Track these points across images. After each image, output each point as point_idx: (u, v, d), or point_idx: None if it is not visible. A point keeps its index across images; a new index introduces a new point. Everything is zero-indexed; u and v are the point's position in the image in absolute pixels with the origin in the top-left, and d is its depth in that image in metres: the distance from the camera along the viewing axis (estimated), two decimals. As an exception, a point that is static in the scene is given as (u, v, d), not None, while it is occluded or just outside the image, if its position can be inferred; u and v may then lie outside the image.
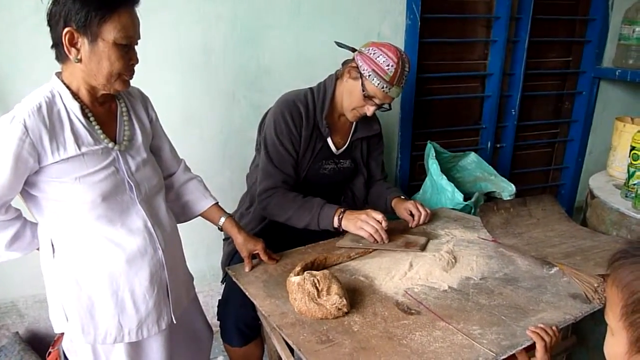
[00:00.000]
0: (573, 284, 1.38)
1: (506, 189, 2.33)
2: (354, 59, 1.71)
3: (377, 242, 1.62)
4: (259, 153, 1.84)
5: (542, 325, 1.15)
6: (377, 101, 1.70)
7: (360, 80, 1.68)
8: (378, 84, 1.64)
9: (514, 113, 2.84)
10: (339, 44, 1.77)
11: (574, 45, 2.98)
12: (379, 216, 1.63)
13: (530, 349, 1.14)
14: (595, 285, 1.30)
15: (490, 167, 2.50)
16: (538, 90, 2.96)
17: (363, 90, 1.68)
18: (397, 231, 1.74)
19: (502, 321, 1.21)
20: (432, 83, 2.65)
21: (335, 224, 1.67)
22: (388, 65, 1.62)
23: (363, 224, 1.62)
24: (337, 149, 1.86)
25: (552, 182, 3.30)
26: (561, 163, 3.26)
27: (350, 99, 1.74)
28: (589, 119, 3.10)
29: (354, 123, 1.88)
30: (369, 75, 1.65)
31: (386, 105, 1.75)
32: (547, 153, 3.23)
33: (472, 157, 2.54)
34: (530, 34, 2.67)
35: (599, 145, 3.20)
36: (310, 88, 1.82)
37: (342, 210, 1.68)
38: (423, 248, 1.62)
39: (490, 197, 2.38)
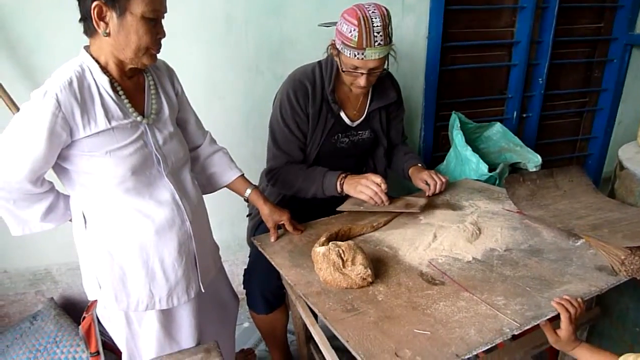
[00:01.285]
0: (599, 256, 1.37)
1: (532, 160, 2.30)
2: None
3: (377, 204, 1.64)
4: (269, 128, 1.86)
5: (567, 297, 1.15)
6: (361, 71, 1.61)
7: (339, 56, 1.64)
8: (350, 54, 1.56)
9: (541, 82, 2.78)
10: (323, 25, 1.72)
11: (606, 11, 2.87)
12: (378, 179, 1.64)
13: (555, 320, 1.15)
14: (623, 257, 1.28)
15: (515, 137, 2.46)
16: (567, 58, 2.88)
17: (341, 65, 1.64)
18: (398, 196, 1.76)
19: (527, 292, 1.21)
20: (457, 52, 2.59)
21: (339, 189, 1.70)
22: (350, 32, 1.52)
23: (363, 187, 1.64)
24: (353, 121, 1.84)
25: (579, 152, 3.24)
26: (589, 133, 3.19)
27: (343, 76, 1.70)
28: (620, 87, 3.01)
29: (369, 93, 1.84)
30: (342, 49, 1.59)
31: (381, 68, 1.65)
32: (575, 123, 3.16)
33: (498, 127, 2.50)
34: (560, -1, 2.58)
35: (629, 114, 3.12)
36: (320, 62, 1.79)
37: (344, 175, 1.71)
38: (422, 209, 1.65)
39: (515, 168, 2.36)
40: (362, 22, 1.50)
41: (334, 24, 1.67)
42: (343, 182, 1.69)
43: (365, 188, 1.64)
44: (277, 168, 1.78)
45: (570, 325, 1.12)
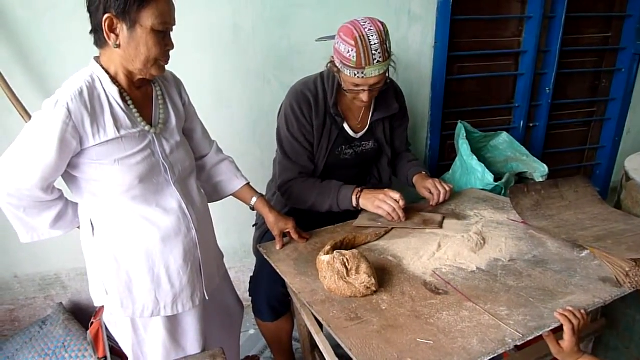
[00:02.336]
0: (604, 267, 1.37)
1: (538, 170, 2.30)
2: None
3: (395, 220, 1.64)
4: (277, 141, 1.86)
5: (570, 308, 1.15)
6: (362, 88, 1.61)
7: (339, 74, 1.64)
8: (350, 73, 1.56)
9: (548, 91, 2.77)
10: (321, 39, 1.72)
11: (614, 20, 2.87)
12: (396, 195, 1.64)
13: (558, 331, 1.15)
14: (627, 269, 1.28)
15: (522, 147, 2.46)
16: (574, 67, 2.87)
17: (342, 84, 1.64)
18: (414, 210, 1.76)
19: (530, 303, 1.21)
20: (463, 61, 2.60)
21: (354, 204, 1.70)
22: (348, 52, 1.52)
23: (381, 202, 1.64)
24: (356, 132, 1.84)
25: (587, 162, 3.23)
26: (597, 143, 3.18)
27: (345, 92, 1.70)
28: (628, 97, 3.00)
29: (372, 104, 1.83)
30: (341, 68, 1.58)
31: (382, 82, 1.64)
32: (582, 132, 3.15)
33: (504, 136, 2.50)
34: (568, 9, 2.59)
35: (637, 124, 3.11)
36: (321, 73, 1.79)
37: (360, 189, 1.71)
38: (441, 225, 1.65)
39: (521, 178, 2.36)
40: (359, 42, 1.49)
41: (331, 38, 1.68)
42: (359, 197, 1.69)
43: (383, 204, 1.64)
44: (290, 181, 1.78)
45: (574, 337, 1.12)
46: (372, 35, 1.50)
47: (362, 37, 1.50)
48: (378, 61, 1.53)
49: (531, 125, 2.87)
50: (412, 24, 2.36)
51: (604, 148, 3.16)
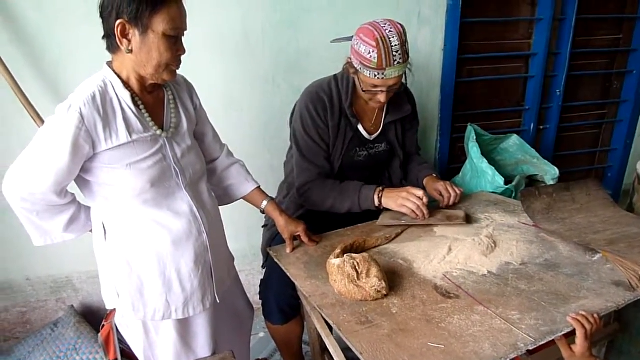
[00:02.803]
0: (617, 271, 1.35)
1: (549, 172, 2.28)
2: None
3: (419, 217, 1.64)
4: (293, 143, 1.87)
5: (583, 313, 1.14)
6: (381, 89, 1.62)
7: (357, 75, 1.64)
8: (370, 74, 1.57)
9: (558, 93, 2.76)
10: (336, 41, 1.73)
11: (625, 22, 2.85)
12: (419, 192, 1.65)
13: (570, 336, 1.14)
14: (640, 273, 1.27)
15: (532, 149, 2.45)
16: (585, 69, 2.85)
17: (361, 85, 1.65)
18: (434, 207, 1.76)
19: (542, 307, 1.20)
20: (473, 64, 2.60)
21: (377, 203, 1.70)
22: (369, 53, 1.53)
23: (404, 201, 1.65)
24: (370, 134, 1.85)
25: (598, 164, 3.20)
26: (608, 145, 3.15)
27: (362, 93, 1.70)
28: (640, 99, 2.98)
29: (385, 106, 1.84)
30: (360, 69, 1.59)
31: (403, 81, 1.67)
32: (594, 135, 3.13)
33: (514, 139, 2.49)
34: (578, 11, 2.58)
35: (649, 126, 3.08)
36: (335, 75, 1.80)
37: (381, 189, 1.72)
38: (465, 220, 1.65)
39: (532, 181, 2.34)
40: (381, 43, 1.51)
41: (347, 39, 1.69)
42: (382, 195, 1.70)
43: (407, 202, 1.65)
44: (309, 182, 1.78)
45: (586, 342, 1.11)
46: (393, 37, 1.52)
47: (383, 39, 1.51)
48: (398, 62, 1.54)
49: (542, 127, 2.85)
50: (422, 26, 2.36)
51: (615, 150, 3.14)
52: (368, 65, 1.55)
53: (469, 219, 1.72)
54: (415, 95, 1.98)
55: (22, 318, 2.33)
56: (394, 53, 1.52)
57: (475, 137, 2.29)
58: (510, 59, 2.68)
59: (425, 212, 1.64)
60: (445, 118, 2.58)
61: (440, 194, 1.81)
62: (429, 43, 2.41)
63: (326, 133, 1.77)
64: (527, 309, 1.20)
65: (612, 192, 3.12)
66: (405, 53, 1.56)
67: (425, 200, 1.65)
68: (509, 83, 2.74)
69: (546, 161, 2.36)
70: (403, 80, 1.66)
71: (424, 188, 1.91)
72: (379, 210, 1.74)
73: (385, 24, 1.55)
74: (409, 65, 1.64)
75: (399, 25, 1.56)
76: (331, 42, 1.77)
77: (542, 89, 2.71)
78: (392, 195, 1.68)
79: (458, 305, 1.23)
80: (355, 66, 1.62)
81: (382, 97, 1.64)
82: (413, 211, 1.64)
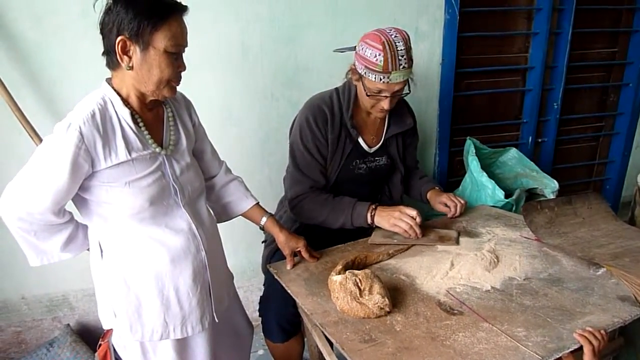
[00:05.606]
0: (621, 285, 1.34)
1: (548, 185, 2.28)
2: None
3: (412, 237, 1.63)
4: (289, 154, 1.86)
5: (590, 329, 1.13)
6: (385, 94, 1.62)
7: (361, 80, 1.65)
8: (375, 78, 1.57)
9: (556, 107, 2.77)
10: (338, 50, 1.74)
11: (621, 36, 2.88)
12: (413, 212, 1.63)
13: (576, 352, 1.12)
14: (646, 287, 1.26)
15: (531, 162, 2.45)
16: (582, 82, 2.87)
17: (365, 90, 1.64)
18: (428, 226, 1.74)
19: (548, 323, 1.19)
20: (471, 78, 2.61)
21: (369, 221, 1.69)
22: (375, 57, 1.53)
23: (397, 220, 1.63)
24: (370, 147, 1.84)
25: (596, 176, 3.21)
26: (606, 157, 3.17)
27: (364, 100, 1.70)
28: (636, 111, 3.00)
29: (386, 119, 1.85)
30: (365, 73, 1.59)
31: (406, 90, 1.67)
32: (591, 147, 3.14)
33: (513, 152, 2.49)
34: (574, 25, 2.60)
35: (646, 138, 3.10)
36: (336, 88, 1.80)
37: (374, 206, 1.70)
38: (457, 241, 1.64)
39: (532, 194, 2.34)
40: (387, 46, 1.52)
41: (350, 49, 1.70)
42: (374, 214, 1.68)
43: (400, 221, 1.63)
44: (301, 195, 1.76)
45: (594, 359, 1.09)
46: (399, 42, 1.54)
47: (389, 42, 1.53)
48: (404, 67, 1.55)
49: (540, 140, 2.86)
50: (419, 41, 2.36)
51: (613, 163, 3.15)
52: (373, 68, 1.55)
53: (469, 234, 1.70)
54: (414, 109, 1.98)
55: (17, 338, 2.28)
56: (400, 57, 1.54)
57: (474, 151, 2.28)
58: (507, 73, 2.70)
59: (418, 231, 1.63)
60: (443, 132, 2.58)
61: (446, 205, 1.80)
62: (427, 57, 2.42)
63: (324, 146, 1.76)
64: (533, 325, 1.18)
65: (610, 204, 3.11)
66: (410, 59, 1.57)
67: (418, 220, 1.63)
68: (507, 96, 2.75)
69: (545, 174, 2.36)
70: (406, 90, 1.66)
71: (428, 202, 1.90)
72: (373, 227, 1.72)
73: (391, 30, 1.56)
74: (411, 75, 1.64)
75: (403, 32, 1.58)
76: (333, 51, 1.78)
77: (540, 102, 2.72)
78: (385, 214, 1.67)
79: (462, 321, 1.22)
80: (360, 71, 1.62)
81: (385, 104, 1.64)
82: (406, 231, 1.62)
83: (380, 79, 1.57)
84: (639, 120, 3.02)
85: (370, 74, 1.58)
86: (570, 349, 1.10)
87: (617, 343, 1.60)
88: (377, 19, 2.23)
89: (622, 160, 3.10)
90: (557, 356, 1.09)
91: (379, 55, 1.53)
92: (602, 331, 1.14)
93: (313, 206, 1.75)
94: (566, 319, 1.20)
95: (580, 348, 1.11)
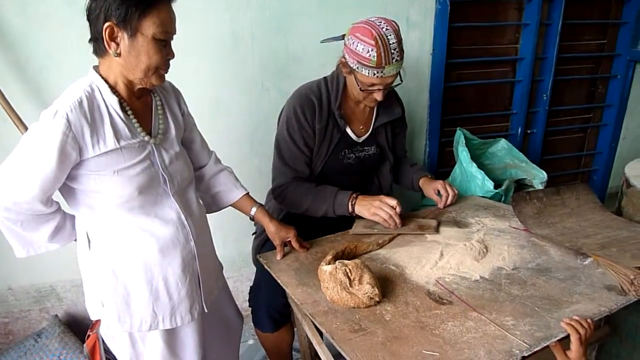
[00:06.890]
0: (608, 275, 1.35)
1: (537, 176, 2.29)
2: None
3: (392, 227, 1.64)
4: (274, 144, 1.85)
5: (577, 317, 1.14)
6: (378, 87, 1.61)
7: (353, 74, 1.63)
8: (369, 73, 1.56)
9: (545, 98, 2.78)
10: (325, 41, 1.74)
11: (609, 27, 2.89)
12: (393, 202, 1.64)
13: (564, 340, 1.13)
14: (632, 277, 1.27)
15: (520, 153, 2.46)
16: (571, 74, 2.89)
17: (358, 84, 1.63)
18: (408, 216, 1.75)
19: (536, 312, 1.20)
20: (461, 68, 2.61)
21: (350, 210, 1.69)
22: (368, 52, 1.51)
23: (377, 209, 1.64)
24: (359, 136, 1.84)
25: (584, 167, 3.24)
26: (594, 149, 3.19)
27: (355, 91, 1.69)
28: (624, 103, 3.02)
29: (375, 109, 1.84)
30: (357, 68, 1.57)
31: (397, 80, 1.66)
32: (580, 138, 3.17)
33: (502, 143, 2.50)
34: (564, 16, 2.61)
35: (634, 130, 3.13)
36: (325, 77, 1.79)
37: (355, 195, 1.70)
38: (437, 230, 1.65)
39: (521, 184, 2.35)
40: (379, 41, 1.50)
41: (337, 39, 1.69)
42: (355, 203, 1.69)
43: (380, 210, 1.63)
44: (284, 185, 1.77)
45: (581, 347, 1.11)
46: (390, 35, 1.52)
47: (381, 37, 1.50)
48: (396, 60, 1.54)
49: (529, 131, 2.87)
50: (410, 31, 2.36)
51: (600, 154, 3.18)
52: (367, 64, 1.54)
53: (458, 224, 1.71)
54: (404, 100, 1.98)
55: (4, 329, 2.26)
56: (392, 51, 1.52)
57: (464, 142, 2.29)
58: (497, 64, 2.70)
59: (398, 221, 1.63)
60: (434, 122, 2.58)
61: (438, 193, 1.81)
62: (418, 48, 2.42)
63: (311, 137, 1.75)
64: (521, 315, 1.19)
65: (598, 195, 3.14)
66: (401, 51, 1.56)
67: (398, 209, 1.64)
68: (497, 87, 2.75)
69: (534, 165, 2.37)
70: (398, 80, 1.65)
71: (419, 189, 1.91)
72: (356, 217, 1.73)
73: (380, 22, 1.54)
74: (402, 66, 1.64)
75: (393, 23, 1.56)
76: (321, 42, 1.76)
77: (529, 93, 2.73)
78: (365, 203, 1.67)
79: (452, 311, 1.22)
80: (351, 65, 1.60)
81: (378, 96, 1.64)
82: (385, 220, 1.63)
83: (374, 74, 1.56)
84: (626, 112, 3.05)
85: (363, 69, 1.57)
86: (558, 338, 1.12)
87: (603, 331, 1.63)
88: (369, 8, 2.21)
89: (609, 151, 3.13)
90: (545, 344, 1.10)
91: (372, 50, 1.51)
92: (589, 320, 1.15)
93: (296, 195, 1.75)
94: (554, 308, 1.22)
95: (568, 336, 1.12)
